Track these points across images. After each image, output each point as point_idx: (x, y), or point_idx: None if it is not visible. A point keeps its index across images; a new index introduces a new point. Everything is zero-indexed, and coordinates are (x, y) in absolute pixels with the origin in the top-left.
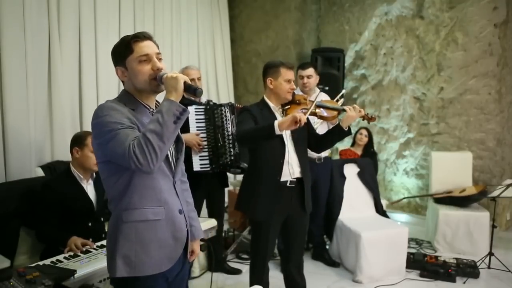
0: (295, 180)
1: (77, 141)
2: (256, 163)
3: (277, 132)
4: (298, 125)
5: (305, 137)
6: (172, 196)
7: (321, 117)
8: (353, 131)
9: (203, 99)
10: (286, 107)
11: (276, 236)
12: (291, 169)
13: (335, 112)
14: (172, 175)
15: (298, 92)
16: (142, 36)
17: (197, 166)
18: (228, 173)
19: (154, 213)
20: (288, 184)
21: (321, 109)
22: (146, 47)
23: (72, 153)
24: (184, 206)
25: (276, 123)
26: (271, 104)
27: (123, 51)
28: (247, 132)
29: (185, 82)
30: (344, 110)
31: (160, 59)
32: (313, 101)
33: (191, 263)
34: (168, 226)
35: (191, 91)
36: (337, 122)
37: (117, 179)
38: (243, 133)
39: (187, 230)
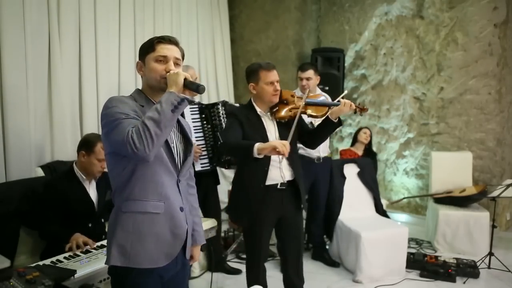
0: (286, 183)
1: (86, 145)
2: (241, 168)
3: (255, 155)
4: (279, 154)
5: (295, 138)
6: (174, 192)
7: (310, 116)
8: (353, 130)
9: (195, 99)
10: (274, 109)
11: (269, 238)
12: (282, 173)
13: (325, 108)
14: (177, 173)
15: (298, 93)
16: (167, 39)
17: (198, 166)
18: (227, 170)
19: (154, 206)
20: (278, 187)
21: (312, 107)
22: (166, 49)
23: (79, 154)
24: (186, 205)
25: (256, 147)
26: (258, 109)
27: (146, 48)
28: (229, 144)
29: (186, 79)
30: (336, 105)
31: (177, 64)
32: (301, 98)
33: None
34: (167, 221)
35: (194, 88)
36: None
37: (121, 170)
38: (225, 144)
39: (187, 229)
